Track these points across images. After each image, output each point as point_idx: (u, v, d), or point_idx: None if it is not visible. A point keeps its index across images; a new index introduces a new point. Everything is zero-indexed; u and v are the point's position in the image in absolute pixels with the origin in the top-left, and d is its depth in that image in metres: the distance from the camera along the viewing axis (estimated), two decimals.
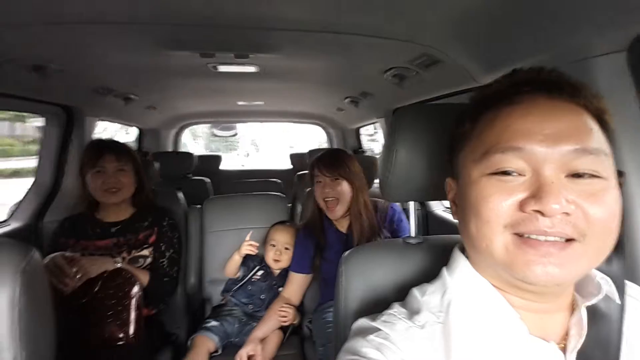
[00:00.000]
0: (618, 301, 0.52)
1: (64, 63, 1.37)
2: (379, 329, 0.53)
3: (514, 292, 0.51)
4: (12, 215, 1.80)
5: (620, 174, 0.49)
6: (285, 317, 1.56)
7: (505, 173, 0.48)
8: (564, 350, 0.50)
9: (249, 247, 1.67)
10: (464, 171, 0.54)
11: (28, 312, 0.73)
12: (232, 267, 1.71)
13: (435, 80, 1.42)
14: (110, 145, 1.57)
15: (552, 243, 0.45)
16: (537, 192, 0.45)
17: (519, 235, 0.47)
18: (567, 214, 0.45)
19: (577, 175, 0.46)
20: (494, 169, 0.49)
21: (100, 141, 1.64)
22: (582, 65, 0.79)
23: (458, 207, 0.57)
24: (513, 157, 0.47)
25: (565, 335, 0.51)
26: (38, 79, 1.41)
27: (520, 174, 0.47)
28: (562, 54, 0.83)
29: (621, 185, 0.49)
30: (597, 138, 0.48)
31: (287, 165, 4.14)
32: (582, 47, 0.78)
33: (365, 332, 0.54)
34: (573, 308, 0.53)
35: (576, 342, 0.50)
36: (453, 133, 0.58)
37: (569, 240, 0.45)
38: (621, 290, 0.54)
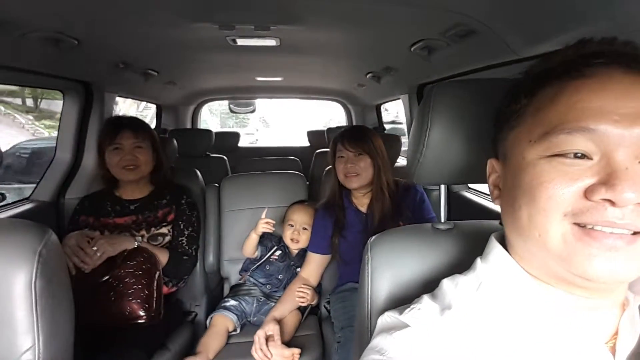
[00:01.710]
0: None
1: (82, 37, 1.34)
2: (408, 326, 0.50)
3: (563, 286, 0.46)
4: (34, 192, 1.82)
5: None
6: (303, 297, 1.54)
7: (569, 156, 0.42)
8: (613, 351, 0.45)
9: (265, 225, 1.64)
10: (515, 152, 0.48)
11: (45, 295, 0.71)
12: (250, 246, 1.70)
13: (468, 53, 1.32)
14: (128, 122, 1.56)
15: (619, 236, 0.40)
16: (608, 179, 0.39)
17: (580, 226, 0.41)
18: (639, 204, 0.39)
19: None
20: (556, 151, 0.42)
21: (117, 118, 1.63)
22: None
23: (503, 192, 0.52)
24: (581, 139, 0.41)
25: (615, 336, 0.46)
26: (56, 54, 1.38)
27: (587, 158, 0.41)
28: (620, 23, 0.74)
29: None
30: None
31: (303, 142, 4.09)
32: None
33: (392, 328, 0.50)
34: (625, 305, 0.48)
35: (628, 344, 0.45)
36: (503, 110, 0.52)
37: (636, 232, 0.40)
38: None
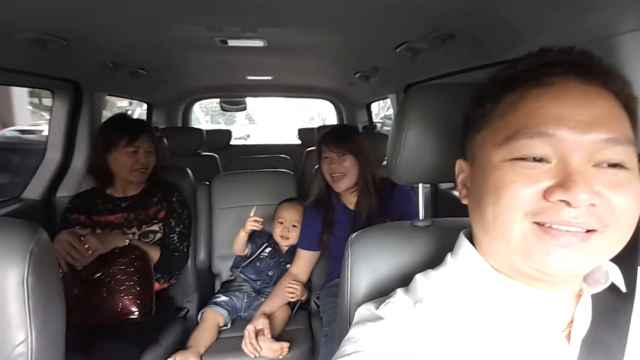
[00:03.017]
0: (624, 289, 0.51)
1: (70, 37, 1.35)
2: (382, 318, 0.53)
3: (525, 280, 0.49)
4: (24, 191, 1.83)
5: None
6: (292, 293, 1.58)
7: (530, 159, 0.45)
8: (569, 338, 0.49)
9: (253, 223, 1.67)
10: (481, 154, 0.51)
11: (37, 291, 0.74)
12: (239, 245, 1.73)
13: (449, 55, 1.36)
14: (145, 126, 1.61)
15: (573, 233, 0.43)
16: (564, 182, 0.43)
17: (539, 224, 0.44)
18: (592, 204, 0.42)
19: (603, 165, 0.44)
20: (518, 155, 0.46)
21: (134, 120, 1.66)
22: (605, 42, 0.74)
23: (470, 191, 0.55)
24: (541, 143, 0.44)
25: (571, 324, 0.50)
26: (44, 54, 1.39)
27: (546, 161, 0.45)
28: (585, 30, 0.78)
29: None
30: (627, 127, 0.46)
31: (289, 137, 4.11)
32: (607, 24, 0.73)
33: (368, 320, 0.54)
34: (580, 296, 0.52)
35: (581, 331, 0.49)
36: (470, 114, 0.55)
37: (589, 230, 0.43)
38: (631, 278, 0.52)
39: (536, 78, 0.47)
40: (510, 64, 0.52)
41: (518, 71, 0.50)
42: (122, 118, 1.64)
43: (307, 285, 1.71)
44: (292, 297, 1.59)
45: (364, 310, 0.57)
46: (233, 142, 4.08)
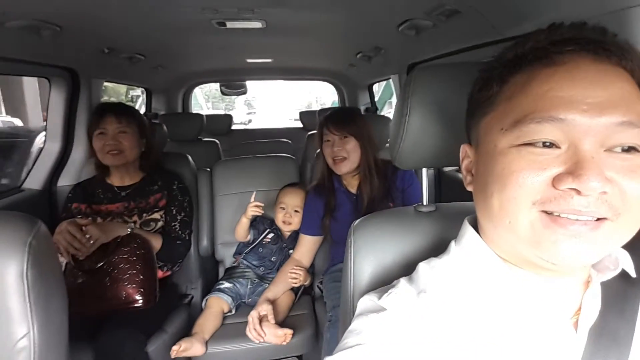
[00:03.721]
0: (634, 275, 0.49)
1: (64, 23, 1.32)
2: (384, 309, 0.51)
3: (531, 269, 0.47)
4: (25, 181, 1.82)
5: None
6: (296, 278, 1.57)
7: (538, 145, 0.42)
8: (576, 326, 0.47)
9: (254, 208, 1.66)
10: (487, 139, 0.48)
11: (37, 284, 0.73)
12: (241, 231, 1.72)
13: (454, 32, 1.31)
14: (113, 107, 1.57)
15: (583, 222, 0.41)
16: (574, 169, 0.40)
17: (547, 213, 0.42)
18: (604, 192, 0.40)
19: (616, 150, 0.41)
20: (526, 140, 0.43)
21: (104, 104, 1.65)
22: (620, 15, 0.70)
23: (475, 178, 0.52)
24: (550, 128, 0.41)
25: (579, 311, 0.48)
26: (39, 41, 1.36)
27: (555, 146, 0.42)
28: (598, 2, 0.74)
29: None
30: None
31: (287, 122, 4.07)
32: None
33: (370, 311, 0.52)
34: (588, 283, 0.50)
35: (590, 319, 0.47)
36: (475, 96, 0.52)
37: (600, 219, 0.41)
38: None
39: (546, 57, 0.44)
40: (519, 41, 0.48)
41: (526, 49, 0.46)
42: (99, 104, 1.66)
43: (310, 270, 1.71)
44: (295, 283, 1.59)
45: (367, 301, 0.55)
46: (234, 127, 4.04)
